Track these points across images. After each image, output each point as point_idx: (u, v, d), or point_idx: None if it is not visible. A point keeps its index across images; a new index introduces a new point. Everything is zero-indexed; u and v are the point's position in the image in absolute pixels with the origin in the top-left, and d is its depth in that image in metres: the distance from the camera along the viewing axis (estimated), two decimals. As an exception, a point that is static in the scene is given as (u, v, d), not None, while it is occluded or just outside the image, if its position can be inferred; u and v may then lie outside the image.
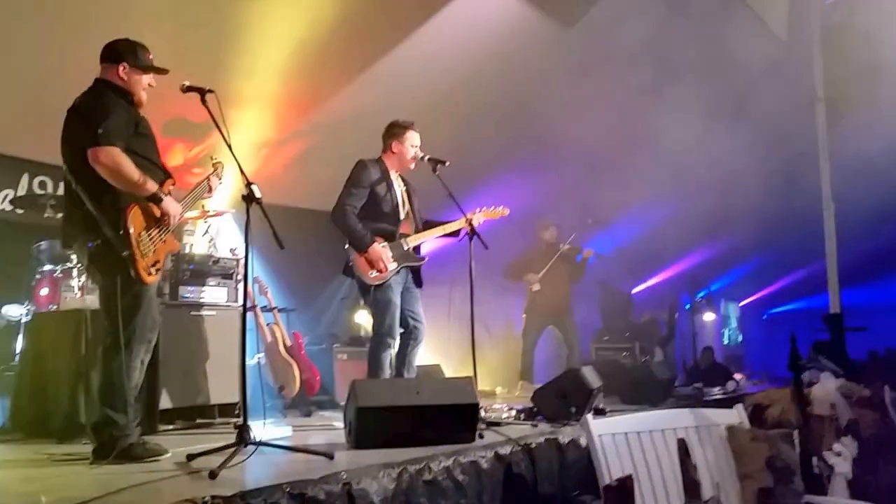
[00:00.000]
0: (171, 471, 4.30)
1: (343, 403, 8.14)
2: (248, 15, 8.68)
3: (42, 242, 7.62)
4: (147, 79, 5.12)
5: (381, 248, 6.61)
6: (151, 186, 4.82)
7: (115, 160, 4.66)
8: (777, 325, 21.03)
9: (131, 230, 4.71)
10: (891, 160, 10.57)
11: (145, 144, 5.01)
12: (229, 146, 4.84)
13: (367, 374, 6.67)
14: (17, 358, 6.98)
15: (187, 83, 4.93)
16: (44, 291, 7.21)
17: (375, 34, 9.86)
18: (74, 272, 7.05)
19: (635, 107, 11.76)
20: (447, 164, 6.65)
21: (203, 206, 7.03)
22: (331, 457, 4.44)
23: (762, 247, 15.92)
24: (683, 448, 4.32)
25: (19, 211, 9.07)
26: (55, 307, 6.87)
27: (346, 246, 6.72)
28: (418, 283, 6.99)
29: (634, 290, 14.18)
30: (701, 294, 14.24)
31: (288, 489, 3.60)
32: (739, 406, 5.24)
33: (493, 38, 10.38)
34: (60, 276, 7.19)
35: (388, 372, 6.67)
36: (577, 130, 11.36)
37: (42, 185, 9.75)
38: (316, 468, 4.09)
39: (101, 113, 4.74)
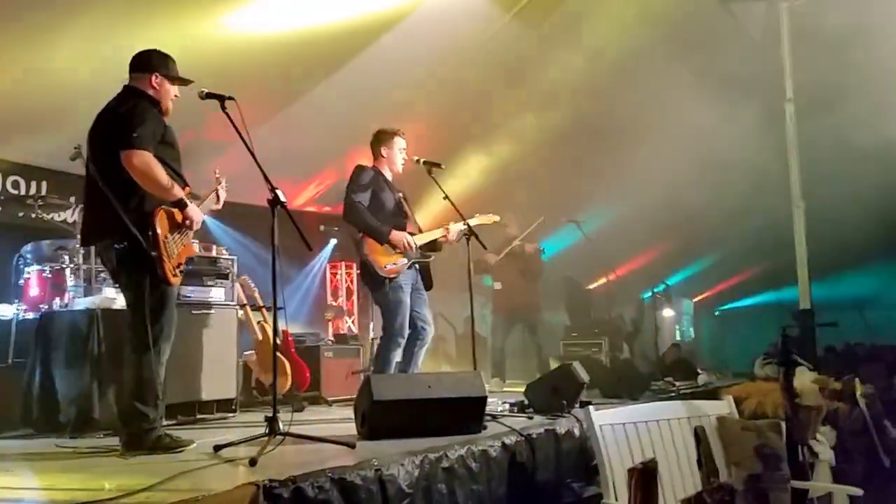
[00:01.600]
0: (206, 460, 4.52)
1: (330, 399, 8.49)
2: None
3: (28, 244, 7.71)
4: (174, 89, 5.36)
5: (400, 232, 6.98)
6: (178, 192, 5.05)
7: (148, 164, 4.87)
8: (728, 321, 21.49)
9: (159, 232, 4.92)
10: (857, 159, 11.03)
11: (170, 153, 5.22)
12: (251, 151, 5.04)
13: (373, 371, 6.97)
14: (10, 356, 7.07)
15: (206, 90, 5.14)
16: (33, 292, 7.32)
17: (341, 37, 10.00)
18: (67, 272, 7.19)
19: (598, 104, 12.08)
20: (442, 166, 6.96)
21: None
22: (352, 446, 4.68)
23: (717, 243, 16.32)
24: (703, 433, 4.58)
25: (-1, 209, 9.12)
26: (45, 307, 7.01)
27: (365, 252, 6.99)
28: (427, 284, 7.30)
29: (593, 286, 14.42)
30: (659, 289, 14.50)
31: (330, 474, 3.84)
32: (729, 398, 5.56)
33: (460, 37, 10.62)
34: (49, 276, 7.31)
35: (393, 370, 6.94)
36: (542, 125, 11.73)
37: (15, 184, 9.90)
38: (341, 456, 4.36)
39: (137, 118, 4.95)
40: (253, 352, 8.27)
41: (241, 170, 8.41)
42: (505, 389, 9.70)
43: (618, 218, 13.84)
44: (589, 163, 13.02)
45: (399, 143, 7.32)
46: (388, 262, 6.91)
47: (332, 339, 10.54)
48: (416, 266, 7.16)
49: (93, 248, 6.88)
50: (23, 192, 9.81)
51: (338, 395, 8.66)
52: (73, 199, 9.02)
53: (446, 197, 6.82)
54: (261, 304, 8.34)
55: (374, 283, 7.00)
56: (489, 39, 10.88)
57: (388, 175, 7.33)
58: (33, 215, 8.14)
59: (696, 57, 11.14)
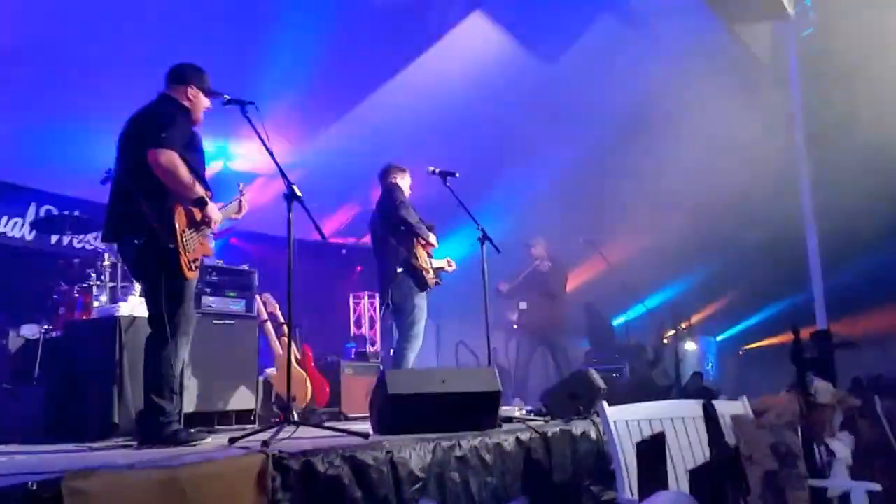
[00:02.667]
0: (221, 448, 4.57)
1: (350, 416, 8.52)
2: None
3: (58, 263, 8.07)
4: (207, 102, 5.59)
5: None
6: (200, 190, 5.23)
7: (173, 162, 5.03)
8: (753, 360, 21.21)
9: (177, 226, 5.06)
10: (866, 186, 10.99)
11: (195, 158, 5.38)
12: (270, 152, 5.24)
13: None
14: (36, 373, 7.21)
15: (228, 96, 5.40)
16: (61, 310, 7.64)
17: (366, 71, 10.28)
18: (94, 290, 7.41)
19: (616, 137, 12.16)
20: (456, 175, 7.13)
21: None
22: (366, 436, 4.71)
23: (740, 281, 16.22)
24: (712, 409, 4.58)
25: (30, 237, 9.42)
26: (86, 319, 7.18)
27: (399, 269, 7.66)
28: None
29: (615, 321, 14.37)
30: (682, 325, 14.43)
31: (341, 452, 3.89)
32: (744, 398, 5.56)
33: (480, 71, 10.79)
34: (77, 295, 7.58)
35: None
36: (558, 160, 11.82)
37: (48, 213, 10.22)
38: (355, 445, 4.37)
39: (167, 120, 5.17)
40: (274, 369, 8.33)
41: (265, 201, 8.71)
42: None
43: (640, 250, 13.84)
44: (615, 193, 13.07)
45: (408, 179, 8.09)
46: (432, 273, 7.70)
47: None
48: None
49: (119, 263, 7.35)
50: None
51: (357, 412, 8.64)
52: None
53: (461, 204, 6.93)
54: (282, 320, 8.42)
55: (419, 288, 7.68)
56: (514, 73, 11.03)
57: None
58: (65, 241, 8.41)
59: (711, 82, 11.18)
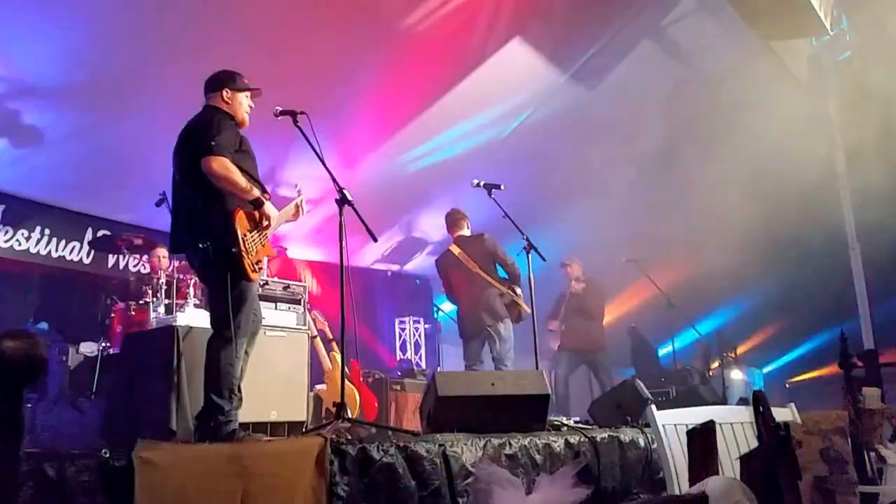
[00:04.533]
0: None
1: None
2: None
3: (114, 282, 8.33)
4: (247, 101, 5.71)
5: None
6: (255, 192, 5.36)
7: (226, 167, 5.19)
8: (800, 393, 20.95)
9: (238, 230, 5.20)
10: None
11: (246, 160, 5.53)
12: (322, 161, 5.39)
13: None
14: (94, 387, 7.39)
15: (280, 108, 5.55)
16: (118, 328, 7.86)
17: (408, 99, 10.44)
18: (150, 308, 7.63)
19: (657, 162, 12.21)
20: (502, 187, 7.23)
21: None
22: (417, 434, 4.80)
23: (785, 310, 16.11)
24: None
25: (87, 260, 9.69)
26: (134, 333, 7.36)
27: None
28: None
29: (661, 350, 14.31)
30: (729, 354, 14.35)
31: (395, 441, 3.98)
32: (792, 405, 5.56)
33: (520, 96, 10.90)
34: (133, 313, 7.82)
35: None
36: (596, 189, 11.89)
37: (105, 237, 10.33)
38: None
39: (215, 128, 5.30)
40: (324, 385, 8.43)
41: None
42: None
43: (685, 277, 13.84)
44: (661, 213, 13.07)
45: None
46: None
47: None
48: None
49: (175, 281, 7.55)
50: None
51: (405, 426, 8.68)
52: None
53: (506, 215, 7.03)
54: (331, 337, 8.54)
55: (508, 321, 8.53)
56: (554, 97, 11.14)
57: None
58: (121, 264, 8.61)
59: (750, 104, 11.20)
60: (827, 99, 11.39)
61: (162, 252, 8.59)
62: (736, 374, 15.44)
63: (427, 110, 10.67)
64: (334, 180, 5.29)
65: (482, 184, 7.25)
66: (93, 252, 10.25)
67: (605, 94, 11.32)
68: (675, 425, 4.77)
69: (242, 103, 5.67)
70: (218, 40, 8.51)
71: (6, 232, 9.66)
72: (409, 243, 14.23)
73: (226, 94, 5.61)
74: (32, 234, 9.91)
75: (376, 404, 8.57)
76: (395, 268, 14.65)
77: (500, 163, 11.76)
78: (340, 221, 5.23)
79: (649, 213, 12.91)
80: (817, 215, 12.12)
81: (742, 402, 12.77)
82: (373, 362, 12.63)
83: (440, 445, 4.24)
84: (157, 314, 7.33)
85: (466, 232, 8.76)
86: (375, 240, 5.14)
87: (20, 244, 9.80)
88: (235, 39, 8.56)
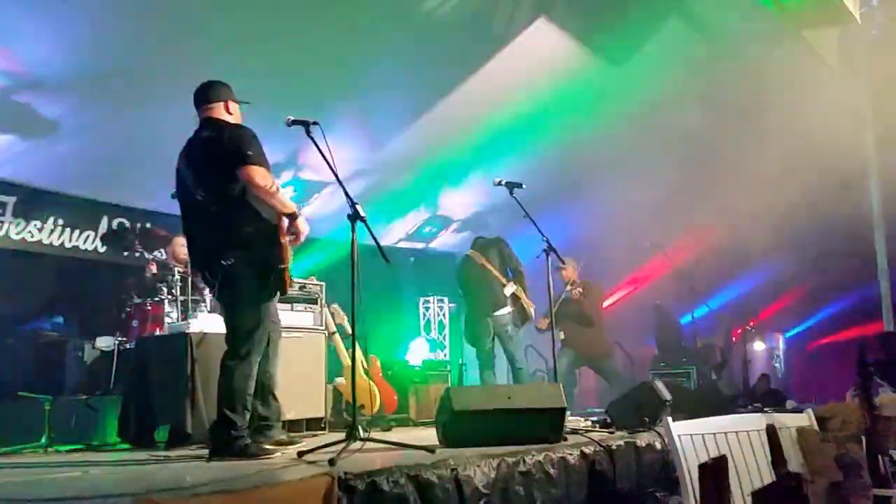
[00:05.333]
0: (289, 464, 4.70)
1: (420, 420, 8.63)
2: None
3: (131, 278, 8.41)
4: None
5: None
6: (292, 204, 5.32)
7: (269, 178, 5.20)
8: (822, 356, 20.89)
9: (284, 242, 5.25)
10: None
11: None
12: (335, 173, 5.28)
13: None
14: (112, 384, 7.44)
15: (292, 117, 5.36)
16: (135, 323, 7.89)
17: (432, 79, 10.42)
18: (166, 304, 7.66)
19: (684, 141, 12.08)
20: (523, 186, 7.15)
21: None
22: (432, 451, 4.79)
23: (808, 276, 16.04)
24: (773, 430, 4.58)
25: (102, 250, 9.68)
26: (157, 333, 7.40)
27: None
28: None
29: (683, 321, 14.24)
30: (750, 323, 14.29)
31: (406, 472, 3.97)
32: (809, 410, 5.53)
33: (549, 77, 10.79)
34: (149, 309, 7.82)
35: None
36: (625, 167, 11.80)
37: (121, 225, 10.51)
38: (421, 460, 4.45)
39: (245, 140, 5.24)
40: (343, 378, 8.44)
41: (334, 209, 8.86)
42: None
43: (707, 249, 13.79)
44: (686, 191, 12.96)
45: None
46: None
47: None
48: None
49: (190, 275, 7.51)
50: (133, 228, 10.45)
51: (426, 417, 8.74)
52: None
53: (527, 215, 6.97)
54: (349, 331, 8.53)
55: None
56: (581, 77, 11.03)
57: None
58: (137, 254, 8.63)
59: (780, 84, 11.05)
60: (857, 80, 11.19)
61: (180, 241, 8.39)
62: (758, 346, 15.46)
63: (452, 92, 10.60)
64: (347, 195, 5.18)
65: (504, 182, 7.14)
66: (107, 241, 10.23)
67: (633, 73, 11.16)
68: (691, 435, 4.77)
69: (240, 115, 5.62)
70: (234, 26, 8.57)
71: (18, 223, 9.64)
72: (433, 221, 14.26)
73: (230, 105, 5.56)
74: (45, 225, 9.90)
75: (395, 397, 8.58)
76: (420, 246, 14.64)
77: (526, 143, 11.80)
78: (353, 238, 5.13)
79: (678, 191, 12.79)
80: (843, 195, 12.04)
81: (763, 378, 12.83)
82: (396, 344, 12.68)
83: (452, 470, 4.21)
84: (170, 320, 7.32)
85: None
86: (387, 261, 5.05)
87: (32, 235, 9.78)
88: (252, 24, 8.60)
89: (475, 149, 11.42)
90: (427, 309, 14.15)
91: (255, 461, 4.92)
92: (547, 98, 11.03)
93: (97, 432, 7.25)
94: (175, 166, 5.53)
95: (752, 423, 5.12)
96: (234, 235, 5.20)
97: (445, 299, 13.91)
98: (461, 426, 5.30)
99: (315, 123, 5.34)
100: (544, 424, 5.46)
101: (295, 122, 5.35)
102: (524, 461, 4.75)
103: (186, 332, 6.62)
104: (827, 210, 12.38)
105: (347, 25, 9.07)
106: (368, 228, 5.09)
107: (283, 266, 5.19)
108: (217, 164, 5.23)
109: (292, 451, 5.19)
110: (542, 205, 9.88)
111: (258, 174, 5.12)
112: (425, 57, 9.92)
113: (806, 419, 5.51)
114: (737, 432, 4.97)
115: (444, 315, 14.08)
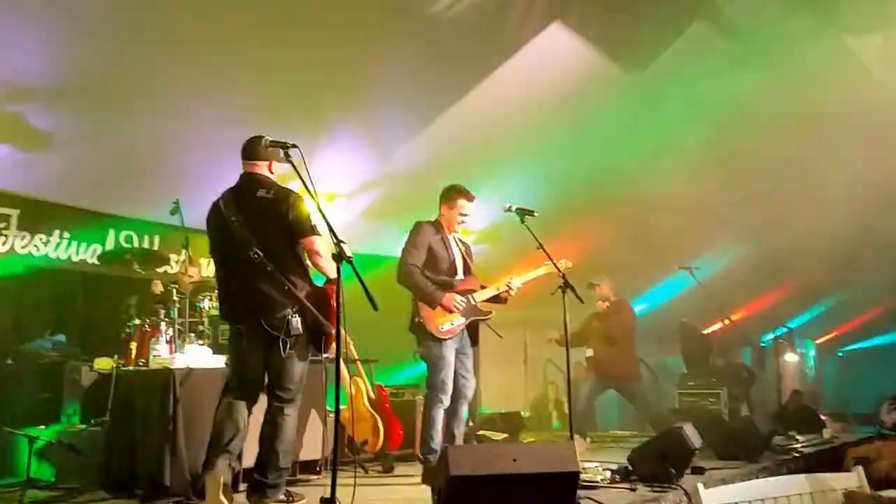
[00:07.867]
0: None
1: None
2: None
3: (132, 298, 8.17)
4: None
5: (450, 295, 6.90)
6: (334, 271, 5.06)
7: (326, 250, 5.34)
8: (852, 362, 20.63)
9: (334, 304, 5.25)
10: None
11: None
12: (315, 200, 5.00)
13: (421, 430, 7.00)
14: (109, 408, 7.02)
15: (270, 138, 5.14)
16: (132, 346, 7.46)
17: (443, 85, 9.97)
18: (162, 326, 7.24)
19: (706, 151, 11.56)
20: (535, 214, 6.74)
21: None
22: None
23: (839, 283, 15.60)
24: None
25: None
26: (143, 362, 7.01)
27: (421, 314, 6.89)
28: (475, 340, 7.22)
29: (708, 331, 13.70)
30: (780, 332, 13.84)
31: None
32: (860, 469, 4.99)
33: (561, 83, 10.33)
34: (148, 330, 7.45)
35: (440, 427, 6.87)
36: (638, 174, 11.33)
37: (128, 238, 10.31)
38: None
39: (304, 208, 5.41)
40: (345, 407, 7.94)
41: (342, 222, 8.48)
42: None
43: (735, 261, 13.42)
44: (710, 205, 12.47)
45: (462, 206, 7.22)
46: (445, 323, 6.85)
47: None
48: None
49: (187, 300, 7.60)
50: (136, 246, 10.17)
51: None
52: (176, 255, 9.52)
53: (540, 246, 6.57)
54: (356, 357, 8.07)
55: (422, 339, 6.93)
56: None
57: (449, 231, 7.28)
58: (138, 269, 8.49)
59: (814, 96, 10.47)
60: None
61: (193, 271, 8.44)
62: (790, 357, 15.01)
63: (461, 100, 10.08)
64: (332, 232, 4.82)
65: (514, 208, 6.71)
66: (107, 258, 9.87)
67: (654, 79, 10.58)
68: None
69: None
70: (237, 35, 8.20)
71: (23, 237, 9.34)
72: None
73: (272, 166, 5.61)
74: (51, 239, 9.60)
75: (401, 432, 8.08)
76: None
77: (542, 153, 11.34)
78: (338, 279, 4.75)
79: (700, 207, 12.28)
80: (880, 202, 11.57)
81: (796, 395, 12.31)
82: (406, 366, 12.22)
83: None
84: (156, 352, 6.82)
85: None
86: (376, 308, 4.57)
87: (38, 250, 9.49)
88: (255, 32, 8.19)
89: (488, 156, 10.92)
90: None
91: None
92: (561, 104, 10.48)
93: (81, 468, 6.76)
94: (211, 209, 5.61)
95: (795, 486, 4.59)
96: (288, 295, 5.34)
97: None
98: (459, 493, 4.70)
99: (294, 146, 5.09)
100: (555, 491, 4.88)
101: (273, 144, 5.14)
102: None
103: (171, 367, 6.21)
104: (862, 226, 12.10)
105: (349, 31, 8.60)
106: (355, 271, 4.70)
107: (331, 332, 5.40)
108: (281, 229, 5.39)
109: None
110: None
111: (318, 243, 5.37)
112: (437, 61, 9.43)
113: (855, 479, 4.98)
114: (776, 498, 4.46)
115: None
